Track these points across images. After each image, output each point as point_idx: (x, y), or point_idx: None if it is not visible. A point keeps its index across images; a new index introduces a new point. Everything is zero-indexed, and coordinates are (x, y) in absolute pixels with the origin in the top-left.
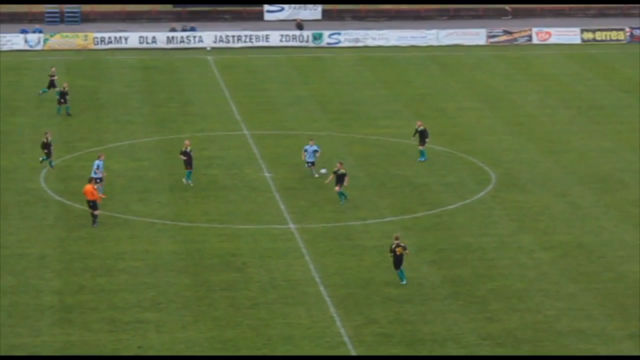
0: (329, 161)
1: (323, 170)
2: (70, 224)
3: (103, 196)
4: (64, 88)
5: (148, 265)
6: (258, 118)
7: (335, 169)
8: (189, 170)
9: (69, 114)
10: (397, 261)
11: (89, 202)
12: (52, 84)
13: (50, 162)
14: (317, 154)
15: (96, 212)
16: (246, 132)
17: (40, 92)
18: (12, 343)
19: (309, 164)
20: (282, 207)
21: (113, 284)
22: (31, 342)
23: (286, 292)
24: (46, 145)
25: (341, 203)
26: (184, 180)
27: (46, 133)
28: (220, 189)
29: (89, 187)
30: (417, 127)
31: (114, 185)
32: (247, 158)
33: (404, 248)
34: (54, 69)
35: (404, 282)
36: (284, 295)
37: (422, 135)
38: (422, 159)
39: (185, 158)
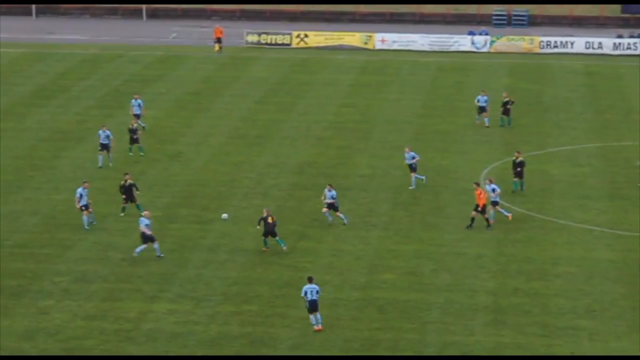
0: None
1: (224, 216)
2: (508, 227)
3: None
4: (505, 98)
5: (584, 272)
6: None
7: None
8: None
9: (509, 124)
10: None
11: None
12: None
13: (131, 149)
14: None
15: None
16: None
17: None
18: (445, 340)
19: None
20: None
21: (548, 288)
22: (464, 340)
23: None
24: (132, 131)
25: None
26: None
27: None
28: None
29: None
30: None
31: (552, 191)
32: None
33: None
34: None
35: None
36: None
37: None
38: None
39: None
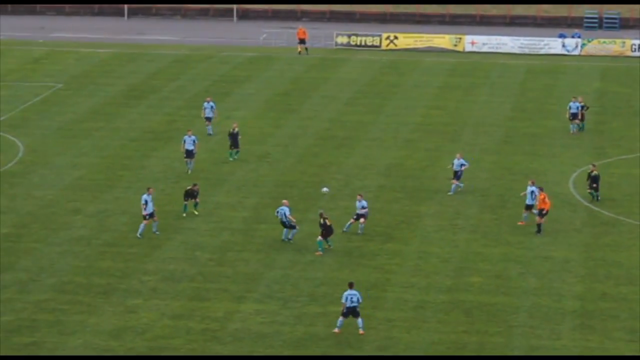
0: None
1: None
2: (597, 230)
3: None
4: (580, 102)
5: None
6: None
7: None
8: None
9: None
10: None
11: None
12: None
13: (231, 154)
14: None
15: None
16: None
17: None
18: (532, 344)
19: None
20: None
21: (636, 293)
22: (551, 344)
23: None
24: (232, 136)
25: None
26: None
27: (233, 124)
28: None
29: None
30: None
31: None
32: None
33: None
34: None
35: None
36: None
37: None
38: None
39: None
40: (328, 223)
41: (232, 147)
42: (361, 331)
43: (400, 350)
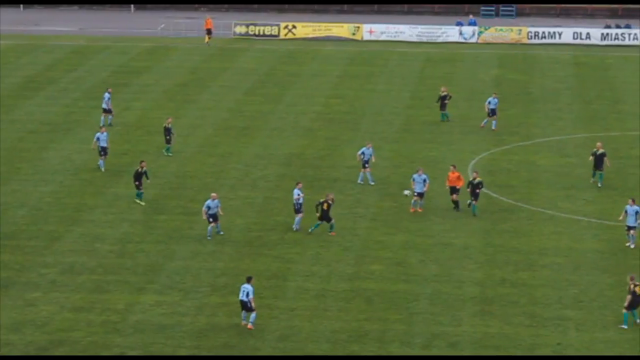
0: None
1: (406, 192)
2: (496, 217)
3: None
4: (443, 92)
5: (571, 262)
6: None
7: None
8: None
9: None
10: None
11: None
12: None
13: (168, 149)
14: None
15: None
16: None
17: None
18: (433, 331)
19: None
20: None
21: (535, 278)
22: (451, 331)
23: None
24: (167, 130)
25: None
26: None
27: (167, 118)
28: None
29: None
30: None
31: (540, 181)
32: None
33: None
34: None
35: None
36: None
37: None
38: None
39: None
40: (325, 208)
41: (168, 143)
42: (249, 325)
43: (302, 339)
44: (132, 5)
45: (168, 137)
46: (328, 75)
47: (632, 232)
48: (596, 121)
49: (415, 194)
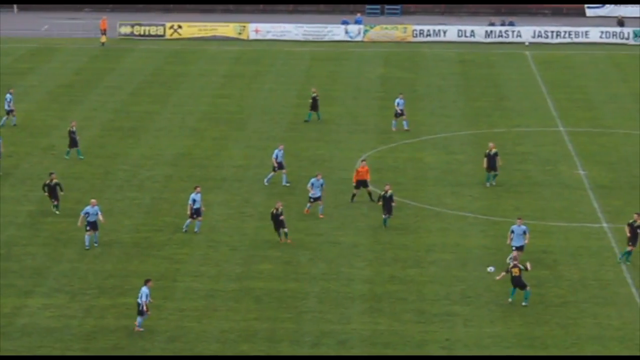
0: None
1: (491, 269)
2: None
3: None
4: (314, 93)
5: (458, 258)
6: (574, 115)
7: None
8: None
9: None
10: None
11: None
12: None
13: (67, 152)
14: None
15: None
16: (561, 128)
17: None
18: (322, 329)
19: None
20: (596, 205)
21: (423, 275)
22: (341, 329)
23: (596, 292)
24: (71, 134)
25: None
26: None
27: (72, 122)
28: (533, 185)
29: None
30: None
31: (427, 178)
32: (561, 155)
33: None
34: None
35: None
36: (594, 295)
37: None
38: None
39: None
40: (277, 213)
41: (71, 146)
42: (137, 328)
43: (191, 340)
44: (14, 6)
45: (74, 140)
46: (214, 75)
47: (520, 253)
48: (481, 118)
49: (311, 199)
